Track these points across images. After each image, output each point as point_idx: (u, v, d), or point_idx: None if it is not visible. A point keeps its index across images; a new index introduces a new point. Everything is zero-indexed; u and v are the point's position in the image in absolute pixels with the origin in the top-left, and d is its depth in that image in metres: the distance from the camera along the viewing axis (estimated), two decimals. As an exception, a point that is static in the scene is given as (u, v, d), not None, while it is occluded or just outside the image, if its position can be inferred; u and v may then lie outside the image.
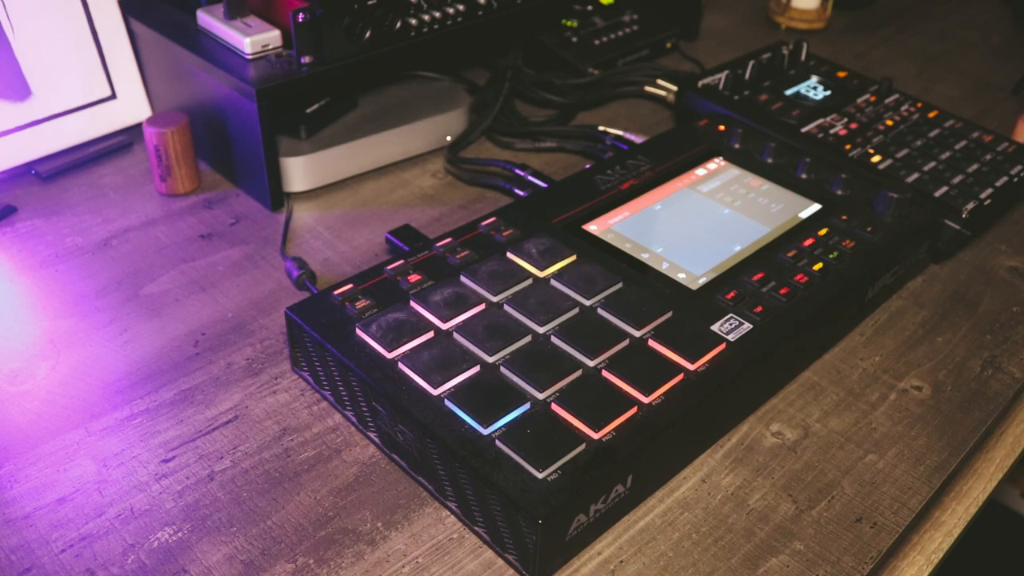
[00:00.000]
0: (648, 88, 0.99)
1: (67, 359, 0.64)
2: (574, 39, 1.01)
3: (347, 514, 0.54)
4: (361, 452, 0.58)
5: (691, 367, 0.57)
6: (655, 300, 0.61)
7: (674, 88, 0.96)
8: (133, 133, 0.88)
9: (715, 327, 0.60)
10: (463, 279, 0.63)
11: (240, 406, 0.61)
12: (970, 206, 0.77)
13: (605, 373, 0.56)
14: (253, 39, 0.76)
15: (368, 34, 0.78)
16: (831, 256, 0.67)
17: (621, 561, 0.52)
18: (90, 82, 0.84)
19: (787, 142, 0.81)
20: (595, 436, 0.52)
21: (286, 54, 0.77)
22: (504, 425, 0.52)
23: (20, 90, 0.80)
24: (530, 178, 0.80)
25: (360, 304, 0.60)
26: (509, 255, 0.65)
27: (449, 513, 0.54)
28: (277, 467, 0.57)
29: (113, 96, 0.85)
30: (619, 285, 0.63)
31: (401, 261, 0.64)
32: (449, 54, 0.97)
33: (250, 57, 0.76)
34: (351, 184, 0.84)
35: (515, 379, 0.55)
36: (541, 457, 0.50)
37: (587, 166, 0.77)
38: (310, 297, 0.62)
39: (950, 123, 0.88)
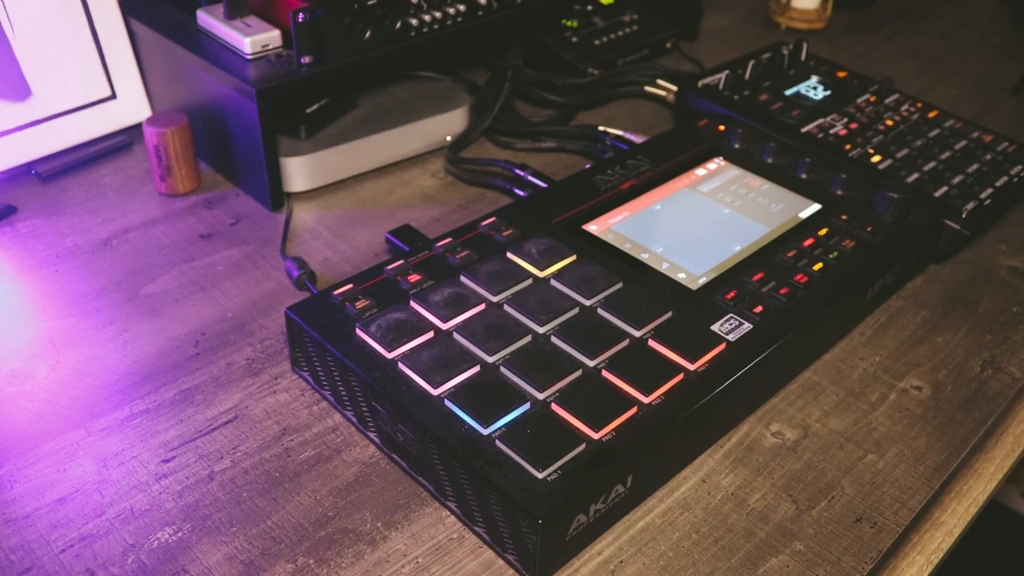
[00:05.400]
0: (648, 88, 0.99)
1: (67, 359, 0.64)
2: (574, 39, 1.01)
3: (347, 514, 0.54)
4: (361, 452, 0.58)
5: (691, 367, 0.57)
6: (655, 300, 0.61)
7: (674, 88, 0.96)
8: (133, 133, 0.88)
9: (715, 327, 0.60)
10: (463, 279, 0.63)
11: (240, 406, 0.61)
12: (970, 206, 0.77)
13: (605, 373, 0.56)
14: (253, 39, 0.76)
15: (368, 34, 0.78)
16: (831, 256, 0.67)
17: (621, 561, 0.52)
18: (90, 82, 0.84)
19: (787, 142, 0.81)
20: (595, 436, 0.52)
21: (286, 54, 0.77)
22: (504, 425, 0.52)
23: (20, 90, 0.80)
24: (530, 178, 0.80)
25: (360, 304, 0.60)
26: (509, 255, 0.65)
27: (449, 513, 0.54)
28: (277, 467, 0.57)
29: (113, 96, 0.85)
30: (619, 285, 0.63)
31: (401, 261, 0.64)
32: (449, 54, 0.97)
33: (250, 57, 0.76)
34: (351, 184, 0.84)
35: (515, 379, 0.55)
36: (541, 457, 0.50)
37: (587, 166, 0.77)
38: (310, 297, 0.62)
39: (950, 123, 0.88)
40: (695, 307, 0.62)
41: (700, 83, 0.91)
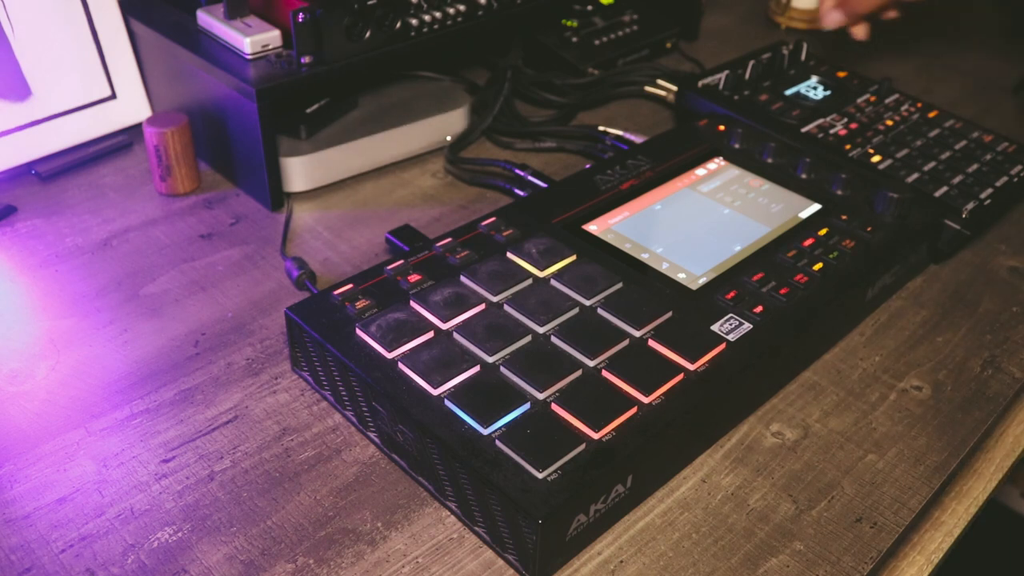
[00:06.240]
0: (648, 88, 0.99)
1: (67, 359, 0.64)
2: (574, 39, 1.01)
3: (347, 514, 0.54)
4: (361, 452, 0.58)
5: (691, 367, 0.57)
6: (655, 300, 0.61)
7: (674, 88, 0.96)
8: (133, 133, 0.88)
9: (715, 327, 0.60)
10: (463, 279, 0.63)
11: (240, 406, 0.61)
12: (970, 206, 0.77)
13: (605, 373, 0.56)
14: (253, 39, 0.76)
15: (368, 34, 0.78)
16: (831, 256, 0.67)
17: (621, 561, 0.52)
18: (90, 82, 0.84)
19: (787, 142, 0.81)
20: (595, 436, 0.52)
21: (286, 54, 0.77)
22: (504, 425, 0.52)
23: (20, 90, 0.80)
24: (530, 178, 0.80)
25: (360, 304, 0.60)
26: (509, 255, 0.65)
27: (449, 513, 0.54)
28: (277, 467, 0.57)
29: (113, 96, 0.85)
30: (619, 285, 0.63)
31: (401, 261, 0.64)
32: (449, 54, 0.97)
33: (250, 57, 0.76)
34: (351, 184, 0.84)
35: (515, 379, 0.55)
36: (541, 457, 0.50)
37: (587, 166, 0.77)
38: (310, 297, 0.62)
39: (950, 123, 0.88)
40: (695, 307, 0.62)
41: (700, 83, 0.91)
